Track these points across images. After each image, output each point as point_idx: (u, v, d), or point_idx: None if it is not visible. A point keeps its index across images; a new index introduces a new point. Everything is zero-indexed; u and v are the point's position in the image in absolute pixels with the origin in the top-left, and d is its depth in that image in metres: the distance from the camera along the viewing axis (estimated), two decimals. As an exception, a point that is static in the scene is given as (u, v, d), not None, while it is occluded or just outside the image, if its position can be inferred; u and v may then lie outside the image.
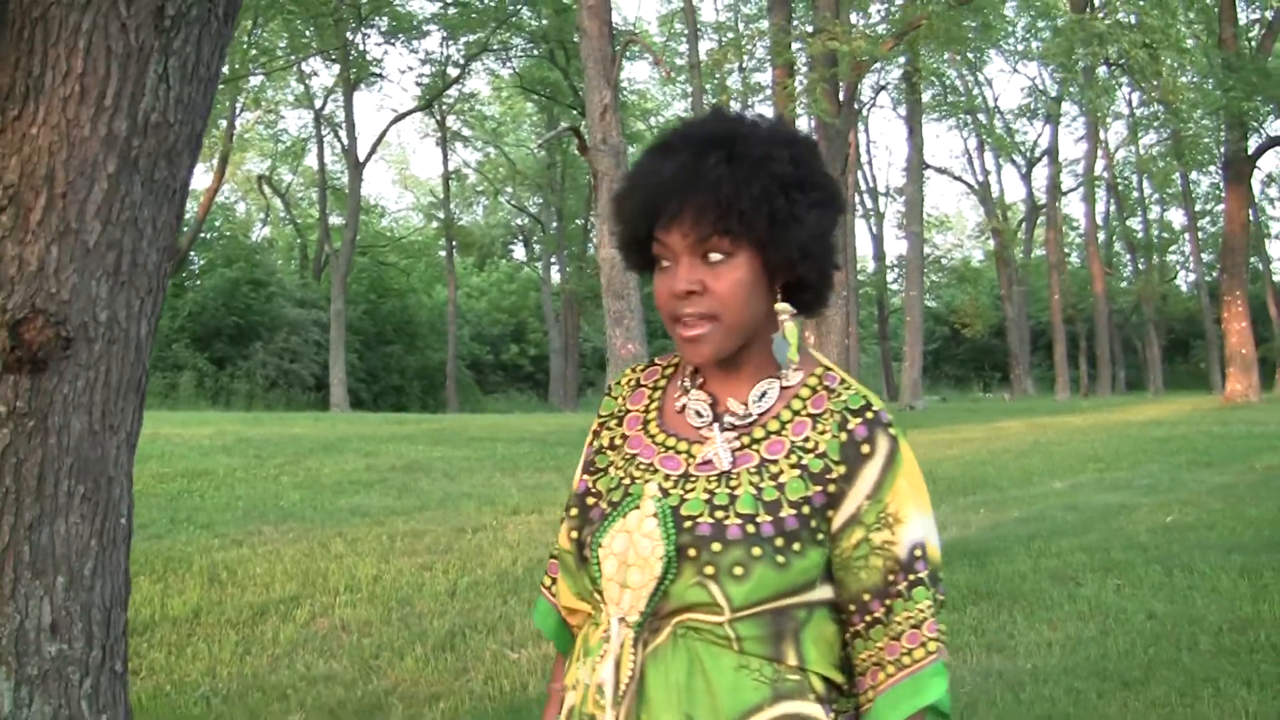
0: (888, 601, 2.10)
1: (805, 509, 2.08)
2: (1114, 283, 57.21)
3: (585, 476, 2.31)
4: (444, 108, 52.58)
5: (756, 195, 2.06)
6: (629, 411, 2.34)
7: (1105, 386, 52.68)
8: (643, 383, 2.38)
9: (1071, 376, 53.01)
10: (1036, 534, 11.21)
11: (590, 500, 2.25)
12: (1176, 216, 63.93)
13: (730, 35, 46.89)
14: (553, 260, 61.82)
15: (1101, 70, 40.28)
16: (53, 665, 3.65)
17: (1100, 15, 29.86)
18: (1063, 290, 51.98)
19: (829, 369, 2.23)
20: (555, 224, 59.42)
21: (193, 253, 47.70)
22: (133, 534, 4.00)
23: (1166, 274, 64.10)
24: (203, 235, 50.01)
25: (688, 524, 2.07)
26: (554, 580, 2.42)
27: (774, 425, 2.17)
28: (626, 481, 2.20)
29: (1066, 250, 59.41)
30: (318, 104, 52.00)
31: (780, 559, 2.03)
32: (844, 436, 2.12)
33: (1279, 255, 63.78)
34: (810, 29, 26.80)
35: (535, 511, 12.81)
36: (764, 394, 2.20)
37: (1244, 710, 6.18)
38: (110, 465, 3.82)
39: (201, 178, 47.84)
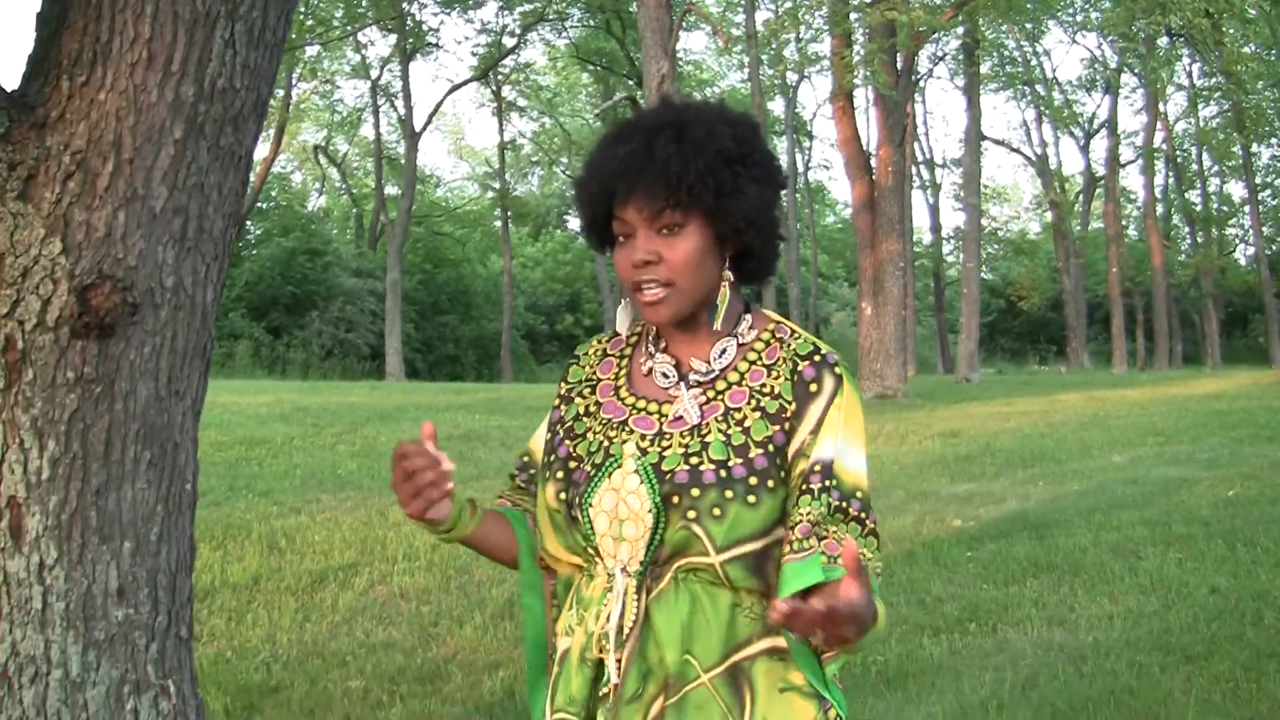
0: (791, 509, 2.29)
1: (770, 448, 2.30)
2: (1172, 256, 56.61)
3: (566, 442, 2.47)
4: (500, 78, 52.50)
5: (702, 169, 2.29)
6: (600, 380, 2.54)
7: (1162, 360, 52.26)
8: (609, 352, 2.58)
9: (1128, 350, 52.61)
10: (1096, 507, 11.14)
11: (572, 464, 2.42)
12: (1236, 189, 63.34)
13: (787, 4, 46.72)
14: (608, 231, 61.69)
15: (1163, 40, 39.86)
16: (119, 630, 3.67)
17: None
18: (1120, 263, 51.52)
19: (780, 323, 2.47)
20: (611, 195, 59.27)
21: (249, 222, 47.91)
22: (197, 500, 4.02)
23: (1225, 247, 63.37)
24: (259, 205, 50.18)
25: (668, 475, 2.29)
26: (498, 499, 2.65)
27: (734, 377, 2.39)
28: (605, 444, 2.40)
29: (1124, 223, 58.85)
30: (374, 74, 52.04)
31: (751, 498, 2.25)
32: (795, 378, 2.35)
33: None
34: (869, -1, 26.67)
35: (592, 481, 12.81)
36: (723, 351, 2.42)
37: (1310, 686, 6.14)
38: (176, 431, 3.83)
39: (259, 148, 47.80)
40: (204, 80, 3.66)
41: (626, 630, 2.29)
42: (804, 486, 2.27)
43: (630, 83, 46.02)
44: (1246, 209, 59.11)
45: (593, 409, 2.49)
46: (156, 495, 3.76)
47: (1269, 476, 12.58)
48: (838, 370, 2.35)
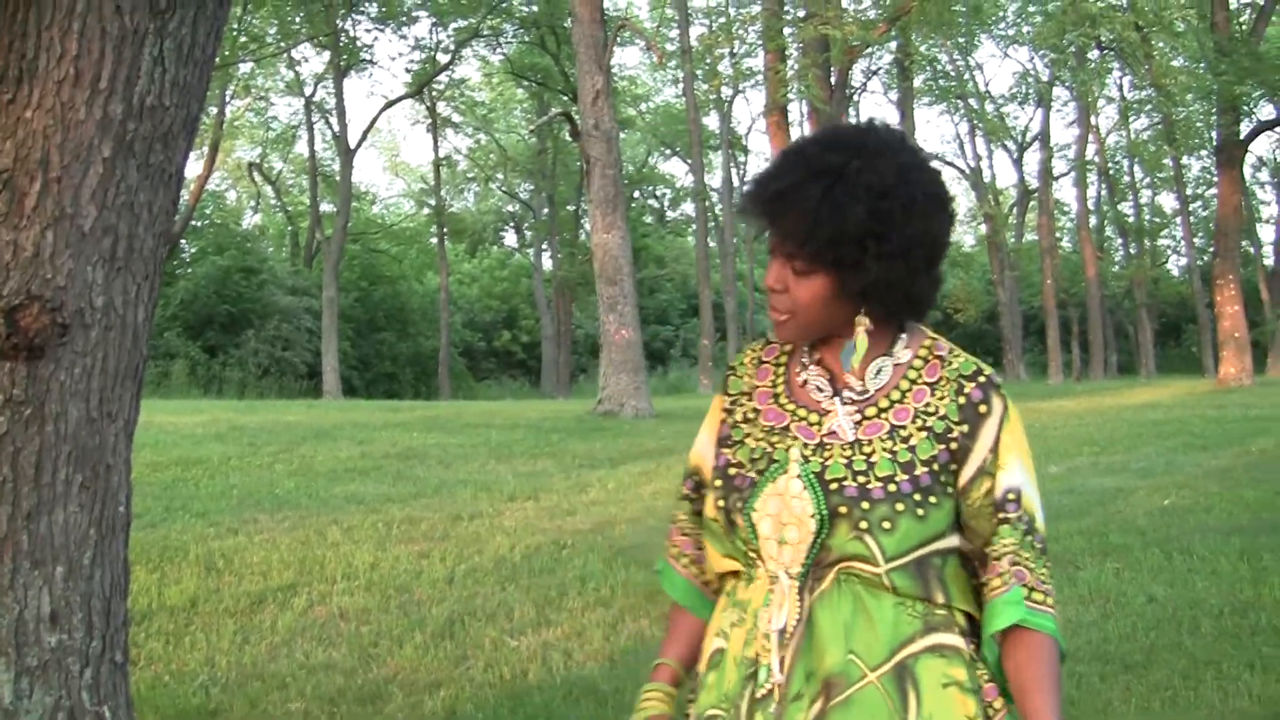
0: (992, 538, 2.40)
1: (935, 465, 2.37)
2: (1105, 267, 56.99)
3: (724, 451, 2.55)
4: (434, 94, 52.40)
5: (825, 241, 2.33)
6: (757, 387, 2.60)
7: (1098, 371, 52.63)
8: (764, 360, 2.64)
9: (1064, 361, 52.95)
10: (1034, 518, 11.18)
11: (732, 471, 2.50)
12: (1167, 201, 63.92)
13: (721, 20, 46.86)
14: (544, 246, 61.69)
15: (1093, 54, 40.19)
16: (53, 656, 3.62)
17: (1092, -2, 29.85)
18: (1055, 275, 51.85)
19: (936, 340, 2.52)
20: (546, 210, 59.28)
21: (184, 240, 47.54)
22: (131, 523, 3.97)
23: (1158, 258, 63.95)
24: (194, 223, 49.81)
25: (834, 486, 2.36)
26: (682, 552, 2.72)
27: (895, 395, 2.45)
28: (769, 449, 2.47)
29: (1058, 235, 59.24)
30: (308, 91, 51.87)
31: (920, 511, 2.33)
32: (962, 400, 2.42)
33: (1270, 239, 63.47)
34: (802, 14, 26.77)
35: (531, 498, 12.76)
36: (879, 371, 2.47)
37: (1247, 693, 6.17)
38: (108, 453, 3.79)
39: (192, 165, 47.44)
40: (133, 98, 3.63)
41: (790, 630, 2.35)
42: (1001, 517, 2.39)
43: (565, 98, 45.99)
44: (1178, 220, 59.69)
45: (751, 415, 2.56)
46: (89, 518, 3.72)
47: (1203, 485, 12.66)
48: (1002, 391, 2.45)
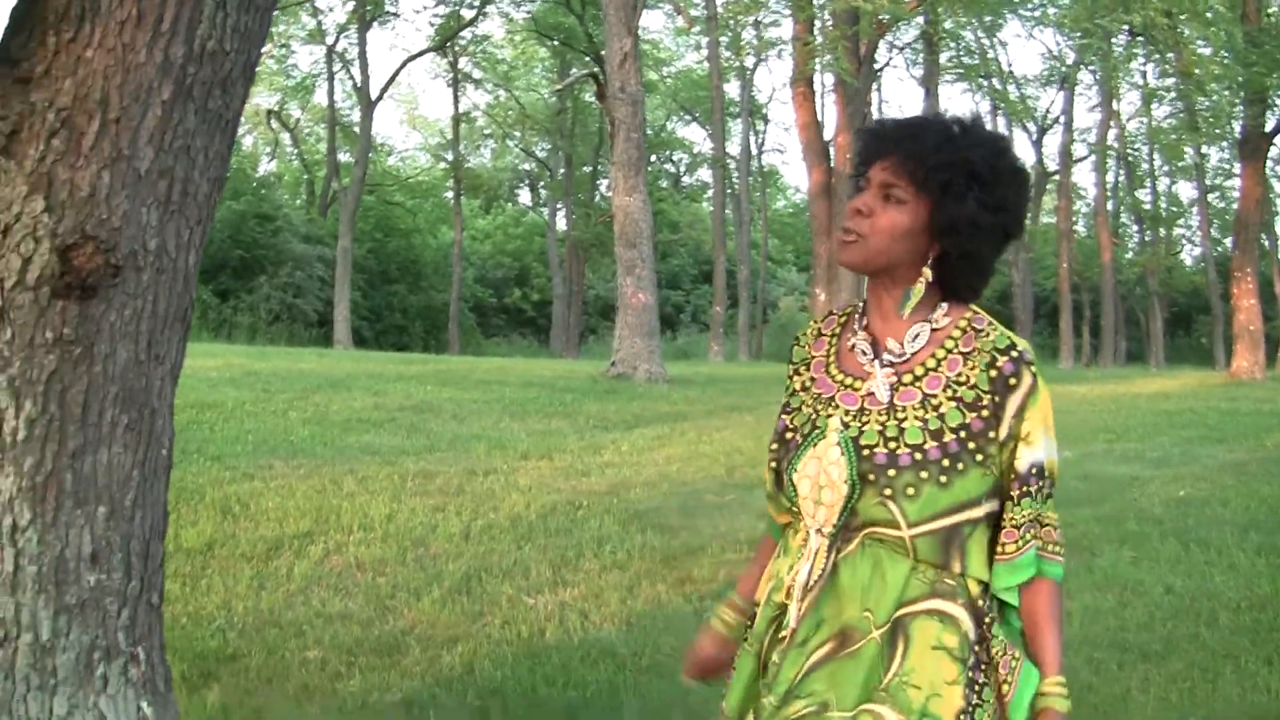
0: (1007, 505, 2.58)
1: (963, 433, 2.52)
2: (1120, 253, 56.91)
3: (784, 416, 2.76)
4: (457, 49, 52.29)
5: (945, 162, 2.56)
6: (813, 357, 2.79)
7: (1108, 357, 52.52)
8: (823, 331, 2.83)
9: (1074, 345, 52.85)
10: (1048, 502, 11.15)
11: (788, 435, 2.70)
12: (1185, 189, 63.74)
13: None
14: (559, 206, 61.64)
15: (1122, 38, 39.96)
16: (91, 595, 3.62)
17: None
18: (1069, 259, 51.73)
19: (977, 313, 2.67)
20: (563, 170, 59.20)
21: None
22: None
23: (1172, 247, 63.76)
24: (210, 167, 49.66)
25: (865, 453, 2.54)
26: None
27: (930, 363, 2.61)
28: (814, 416, 2.66)
29: (1073, 219, 59.08)
30: (330, 40, 51.73)
31: (944, 478, 2.49)
32: (993, 373, 2.56)
33: (1287, 233, 63.24)
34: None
35: (545, 457, 12.76)
36: (917, 335, 2.64)
37: (1265, 687, 6.18)
38: (154, 396, 3.79)
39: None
40: (194, 41, 3.60)
41: (812, 582, 2.56)
42: (1025, 489, 2.57)
43: (587, 59, 45.84)
44: (1195, 210, 59.49)
45: (808, 384, 2.75)
46: (133, 460, 3.72)
47: (1219, 478, 12.62)
48: (1033, 368, 2.58)
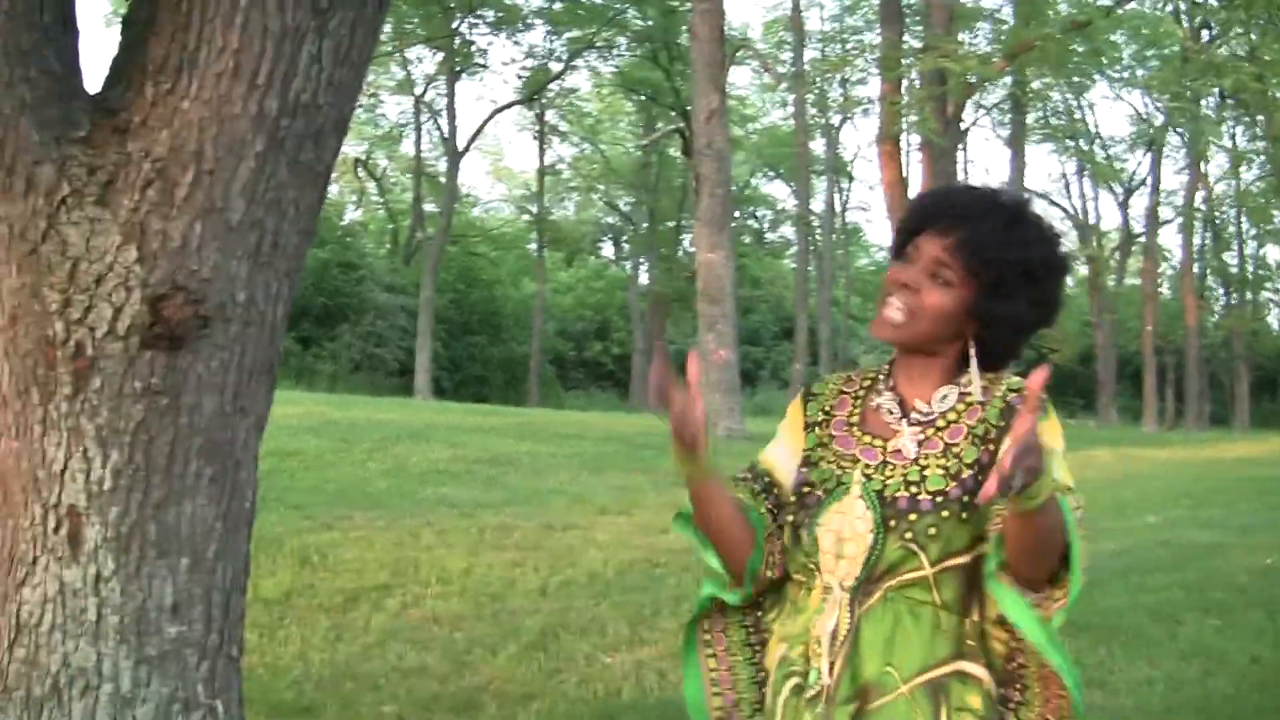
0: None
1: (977, 468, 2.52)
2: (1204, 316, 56.42)
3: (803, 469, 2.73)
4: (544, 101, 52.63)
5: (1000, 258, 2.56)
6: (835, 416, 2.77)
7: (1192, 420, 51.96)
8: (844, 390, 2.81)
9: (1157, 408, 52.32)
10: (1132, 568, 10.99)
11: (805, 489, 2.69)
12: (1273, 252, 63.17)
13: (835, 45, 46.69)
14: (641, 260, 61.76)
15: (1209, 101, 39.73)
16: (172, 647, 3.62)
17: (1213, 45, 29.45)
18: (1154, 321, 51.31)
19: (999, 374, 2.70)
20: (646, 224, 59.37)
21: (286, 232, 47.85)
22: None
23: (1259, 311, 63.15)
24: (296, 215, 50.15)
25: (890, 501, 2.55)
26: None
27: (953, 416, 2.63)
28: (837, 472, 2.66)
29: (1158, 281, 58.68)
30: (418, 90, 52.20)
31: (964, 515, 2.49)
32: (1003, 405, 2.59)
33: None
34: (918, 45, 26.63)
35: (624, 513, 12.73)
36: (944, 397, 2.67)
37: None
38: (238, 448, 3.79)
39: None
40: (289, 95, 3.60)
41: (841, 638, 2.53)
42: None
43: (673, 114, 46.02)
44: (1283, 272, 58.92)
45: (827, 440, 2.74)
46: (216, 512, 3.71)
47: (1306, 547, 12.41)
48: (1045, 402, 2.48)
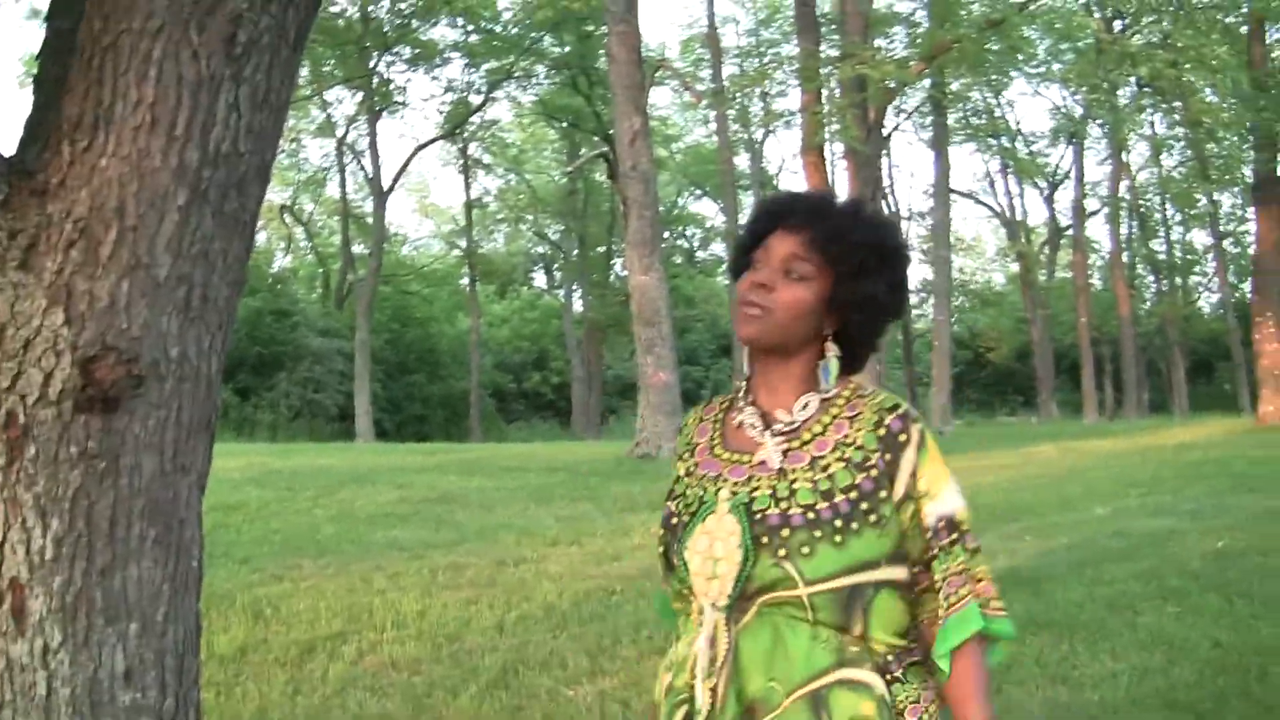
0: (930, 565, 2.61)
1: (854, 494, 2.54)
2: (1137, 305, 56.90)
3: (668, 503, 2.76)
4: (466, 135, 52.58)
5: (858, 242, 2.67)
6: (697, 444, 2.83)
7: (1131, 409, 52.37)
8: (704, 417, 2.89)
9: (1096, 399, 52.69)
10: (1086, 560, 11.02)
11: (673, 520, 2.71)
12: (1199, 237, 63.81)
13: (753, 59, 46.85)
14: (574, 288, 61.80)
15: (1127, 91, 40.08)
16: (126, 715, 3.52)
17: (1127, 35, 29.70)
18: (1088, 313, 51.69)
19: (859, 383, 2.75)
20: (576, 251, 59.42)
21: (216, 283, 47.57)
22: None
23: (1189, 295, 63.79)
24: (226, 266, 49.88)
25: (758, 516, 2.55)
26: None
27: (818, 428, 2.66)
28: (700, 493, 2.69)
29: (1088, 273, 59.14)
30: (340, 132, 52.07)
31: (838, 539, 2.50)
32: (881, 431, 2.61)
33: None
34: (836, 53, 26.74)
35: (575, 543, 12.65)
36: (805, 405, 2.70)
37: (1325, 744, 6.05)
38: (181, 507, 3.70)
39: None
40: (208, 145, 3.54)
41: (719, 660, 2.53)
42: (939, 544, 2.60)
43: (596, 139, 46.03)
44: (1210, 257, 59.47)
45: (692, 469, 2.77)
46: (163, 574, 3.63)
47: (1255, 527, 12.47)
48: (919, 424, 2.63)
